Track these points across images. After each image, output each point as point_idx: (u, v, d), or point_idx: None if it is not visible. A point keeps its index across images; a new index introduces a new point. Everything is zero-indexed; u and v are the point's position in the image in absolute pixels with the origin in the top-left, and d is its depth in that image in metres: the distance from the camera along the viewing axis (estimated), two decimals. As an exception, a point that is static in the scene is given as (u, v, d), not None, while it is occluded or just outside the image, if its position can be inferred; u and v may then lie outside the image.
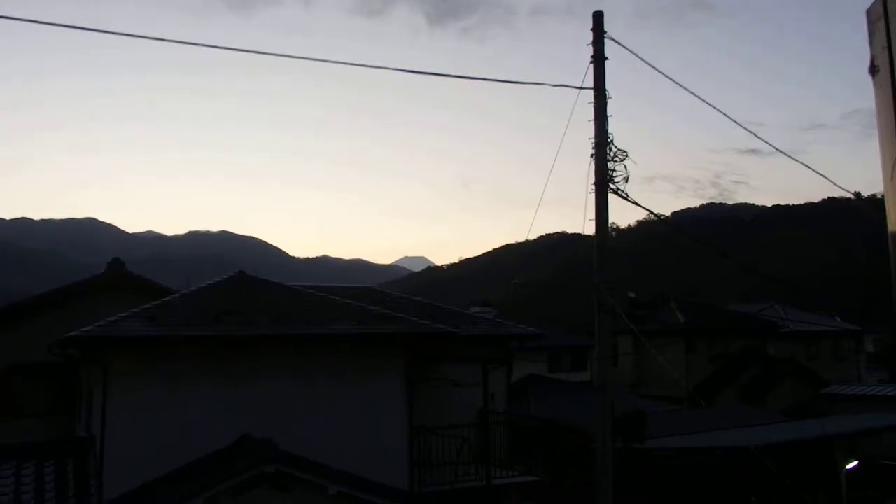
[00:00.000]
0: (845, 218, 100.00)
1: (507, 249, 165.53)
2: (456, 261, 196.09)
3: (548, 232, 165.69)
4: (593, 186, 10.10)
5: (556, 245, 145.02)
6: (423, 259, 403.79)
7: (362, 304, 14.76)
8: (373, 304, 15.19)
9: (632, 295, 39.95)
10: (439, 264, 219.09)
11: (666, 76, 10.21)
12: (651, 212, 11.56)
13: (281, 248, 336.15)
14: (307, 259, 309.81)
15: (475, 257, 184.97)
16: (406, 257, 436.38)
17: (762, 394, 32.43)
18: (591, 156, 10.16)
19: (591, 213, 10.07)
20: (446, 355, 15.46)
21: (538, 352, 31.02)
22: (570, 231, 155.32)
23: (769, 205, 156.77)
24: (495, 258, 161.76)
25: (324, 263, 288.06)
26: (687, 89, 10.55)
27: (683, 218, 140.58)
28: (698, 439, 19.95)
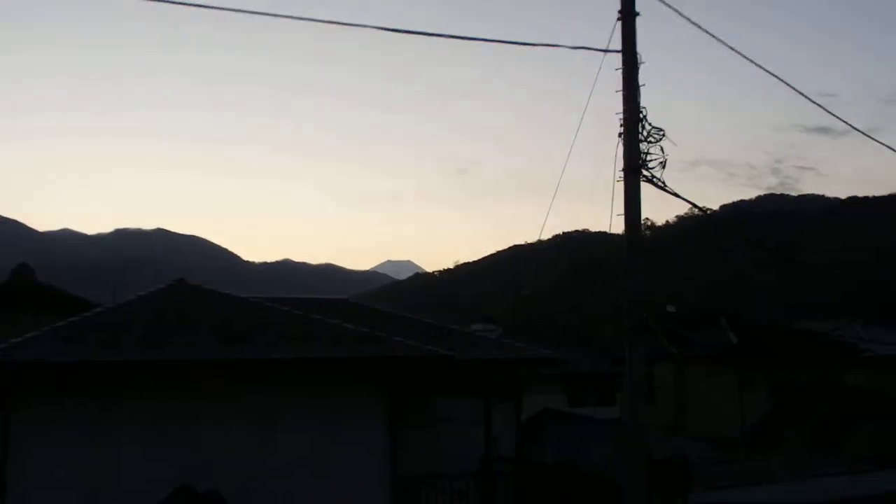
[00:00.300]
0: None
1: (515, 252, 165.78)
2: (451, 266, 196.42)
3: (566, 230, 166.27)
4: (622, 173, 10.14)
5: (575, 246, 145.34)
6: (409, 263, 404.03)
7: (333, 321, 14.77)
8: (346, 321, 15.19)
9: (671, 309, 40.06)
10: (430, 270, 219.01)
11: (713, 36, 10.27)
12: (694, 205, 11.60)
13: (231, 250, 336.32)
14: (264, 264, 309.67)
15: (475, 262, 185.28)
16: (388, 261, 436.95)
17: (838, 435, 32.36)
18: (620, 135, 10.19)
19: (620, 207, 10.10)
20: (439, 386, 15.44)
21: (555, 381, 31.04)
22: (593, 229, 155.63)
23: (843, 196, 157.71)
24: (500, 263, 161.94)
25: (285, 269, 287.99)
26: (739, 52, 10.62)
27: (735, 212, 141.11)
28: (757, 493, 19.94)
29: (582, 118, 10.79)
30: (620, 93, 10.21)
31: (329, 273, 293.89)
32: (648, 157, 10.11)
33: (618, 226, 10.11)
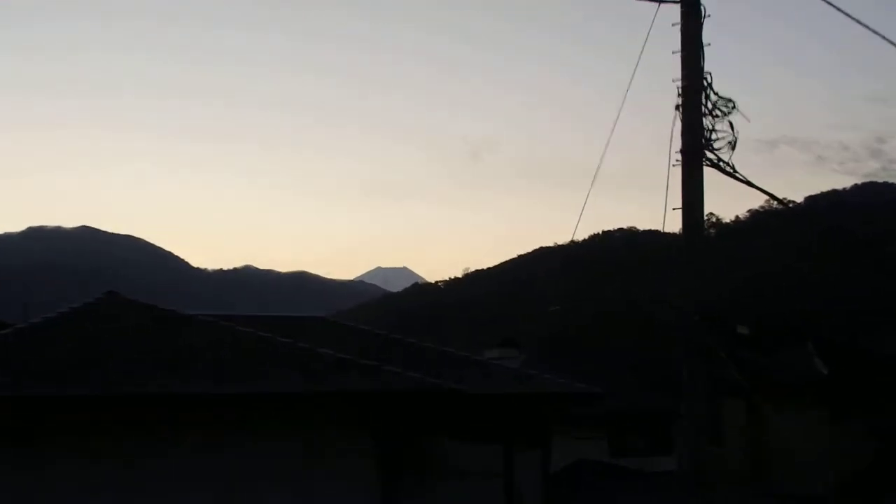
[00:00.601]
0: None
1: (542, 256, 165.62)
2: (459, 274, 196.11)
3: (606, 228, 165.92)
4: (679, 156, 10.16)
5: (618, 248, 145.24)
6: (404, 271, 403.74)
7: (306, 345, 14.83)
8: (324, 344, 15.23)
9: (743, 330, 39.98)
10: (431, 280, 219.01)
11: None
12: (772, 196, 11.65)
13: (177, 254, 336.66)
14: (219, 272, 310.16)
15: (490, 269, 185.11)
16: (378, 269, 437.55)
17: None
18: (677, 108, 10.23)
19: (676, 199, 10.11)
20: (446, 429, 15.46)
21: (594, 423, 31.03)
22: (641, 227, 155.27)
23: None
24: (521, 270, 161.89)
25: (246, 278, 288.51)
26: (830, 2, 10.61)
27: (825, 204, 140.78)
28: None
29: (629, 87, 10.81)
30: (678, 54, 10.24)
31: (303, 283, 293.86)
32: (714, 136, 10.15)
33: (674, 222, 10.14)
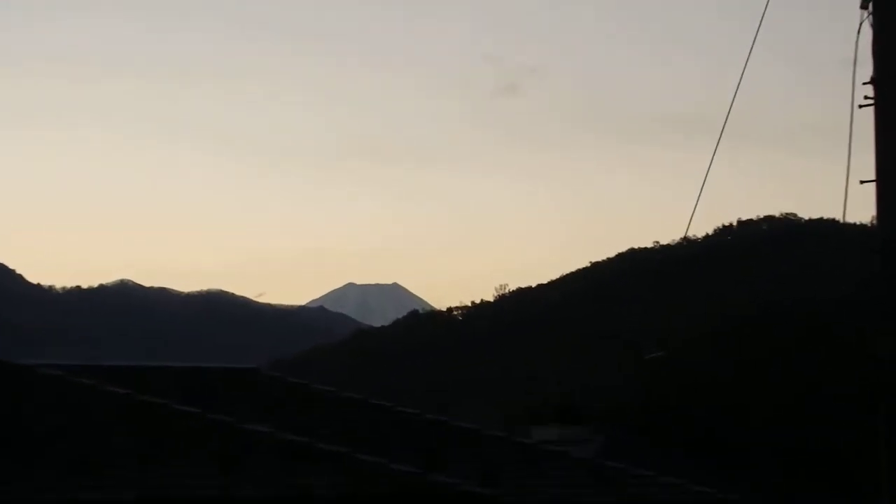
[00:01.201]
0: None
1: (633, 264, 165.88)
2: (488, 297, 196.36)
3: (742, 216, 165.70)
4: (868, 91, 10.17)
5: (764, 248, 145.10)
6: (395, 290, 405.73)
7: (226, 418, 14.93)
8: (256, 416, 15.33)
9: None
10: (440, 307, 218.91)
11: None
12: None
13: (16, 271, 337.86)
14: (75, 291, 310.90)
15: (540, 287, 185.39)
16: (350, 286, 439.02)
17: None
18: (864, 5, 10.21)
19: (864, 167, 10.13)
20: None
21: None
22: (803, 214, 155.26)
23: None
24: (595, 289, 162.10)
25: (121, 302, 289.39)
26: None
27: None
28: None
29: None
30: None
31: (217, 310, 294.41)
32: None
33: (861, 206, 10.16)
